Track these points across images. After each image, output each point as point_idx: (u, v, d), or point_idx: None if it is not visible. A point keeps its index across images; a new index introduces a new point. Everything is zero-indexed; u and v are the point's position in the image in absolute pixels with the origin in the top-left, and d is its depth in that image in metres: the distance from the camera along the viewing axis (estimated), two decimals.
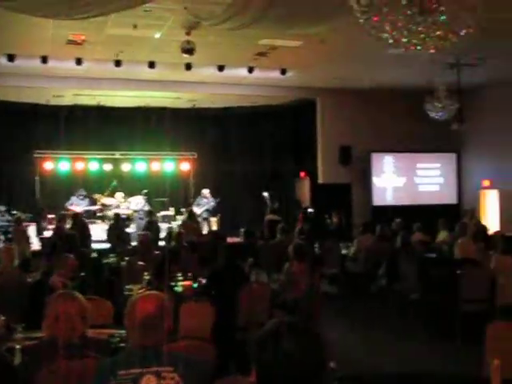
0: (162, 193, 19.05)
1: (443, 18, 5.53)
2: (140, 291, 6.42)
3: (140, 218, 16.52)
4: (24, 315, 5.57)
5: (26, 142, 17.67)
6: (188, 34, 11.18)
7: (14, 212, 15.43)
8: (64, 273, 6.55)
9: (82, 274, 8.32)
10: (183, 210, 16.25)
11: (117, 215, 15.03)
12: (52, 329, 3.73)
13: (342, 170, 17.69)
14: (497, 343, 4.70)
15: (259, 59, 13.59)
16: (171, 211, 17.80)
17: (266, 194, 18.14)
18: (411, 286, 9.39)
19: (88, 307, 3.85)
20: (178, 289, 7.31)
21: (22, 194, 17.94)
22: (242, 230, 16.70)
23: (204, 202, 17.58)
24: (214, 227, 17.50)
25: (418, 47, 5.82)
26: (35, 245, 14.18)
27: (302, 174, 19.72)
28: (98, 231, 15.37)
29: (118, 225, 14.50)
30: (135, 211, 17.10)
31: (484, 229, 11.98)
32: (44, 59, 12.99)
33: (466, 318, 7.83)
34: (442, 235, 12.66)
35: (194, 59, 12.44)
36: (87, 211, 16.81)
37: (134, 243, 13.08)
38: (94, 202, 17.38)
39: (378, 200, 17.64)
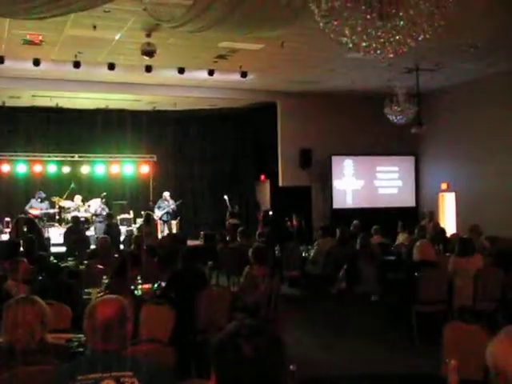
0: (121, 196, 18.93)
1: (402, 23, 5.60)
2: (99, 295, 6.36)
3: (99, 222, 16.35)
4: None
5: None
6: (148, 35, 11.12)
7: None
8: (18, 276, 6.45)
9: (40, 277, 8.21)
10: (146, 212, 16.14)
11: (75, 218, 14.80)
12: (10, 335, 3.66)
13: (302, 173, 17.77)
14: (454, 344, 4.77)
15: (219, 62, 13.58)
16: (130, 214, 17.68)
17: (226, 197, 18.15)
18: (371, 288, 9.48)
19: (47, 312, 3.79)
20: (138, 292, 7.25)
21: None
22: (202, 232, 16.73)
23: (165, 205, 17.50)
24: (175, 230, 17.43)
25: (378, 52, 5.88)
26: None
27: (262, 176, 19.79)
28: (56, 234, 15.17)
29: (75, 228, 14.23)
30: (94, 214, 16.91)
31: (442, 231, 12.16)
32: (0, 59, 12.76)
33: (424, 318, 7.93)
34: (401, 238, 12.82)
35: (155, 61, 12.37)
36: (46, 214, 16.59)
37: (93, 246, 12.94)
38: (53, 205, 17.16)
39: (338, 203, 17.75)
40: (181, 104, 18.31)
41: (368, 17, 5.57)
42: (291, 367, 3.22)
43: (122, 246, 14.21)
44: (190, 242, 13.81)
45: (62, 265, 10.37)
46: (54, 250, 13.55)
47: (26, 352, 3.55)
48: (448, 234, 12.13)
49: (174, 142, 20.04)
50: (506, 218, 13.92)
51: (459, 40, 11.69)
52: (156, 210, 17.05)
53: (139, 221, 16.90)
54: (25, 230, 12.91)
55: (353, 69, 14.17)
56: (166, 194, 17.73)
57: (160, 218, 17.06)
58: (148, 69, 13.30)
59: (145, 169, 19.15)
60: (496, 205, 14.79)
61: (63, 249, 13.57)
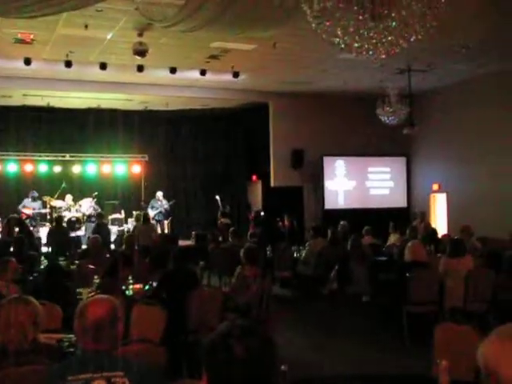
0: (112, 195, 18.87)
1: (394, 24, 5.61)
2: (90, 295, 6.35)
3: (92, 221, 16.30)
4: None
5: None
6: (140, 35, 11.09)
7: None
8: (7, 276, 6.43)
9: (31, 278, 8.19)
10: (137, 212, 16.09)
11: (58, 218, 14.52)
12: (2, 335, 3.64)
13: (294, 173, 17.78)
14: (445, 344, 4.78)
15: (211, 62, 13.57)
16: (122, 214, 17.63)
17: (217, 197, 18.15)
18: (362, 289, 9.49)
19: (40, 312, 3.77)
20: (129, 292, 7.24)
21: None
22: (194, 233, 16.72)
23: (158, 205, 17.48)
24: (167, 230, 17.42)
25: (370, 52, 5.89)
26: None
27: (254, 177, 19.78)
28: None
29: (58, 229, 13.82)
30: (88, 216, 16.84)
31: (433, 232, 12.19)
32: None
33: (416, 319, 7.95)
34: (393, 238, 12.84)
35: (146, 61, 12.35)
36: (38, 214, 16.52)
37: (84, 246, 12.91)
38: (44, 204, 17.10)
39: (330, 203, 17.76)
40: (173, 104, 18.28)
41: (360, 17, 5.58)
42: (282, 367, 3.22)
43: (112, 246, 14.17)
44: (181, 242, 13.79)
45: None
46: (44, 249, 13.49)
47: (19, 352, 3.54)
48: (439, 235, 12.16)
49: (166, 142, 20.02)
50: (497, 219, 13.97)
51: (451, 41, 11.72)
52: (149, 210, 17.02)
53: (131, 221, 16.87)
54: (16, 230, 12.86)
55: (345, 69, 14.19)
56: (159, 194, 17.71)
57: (153, 218, 17.03)
58: (140, 68, 13.27)
59: (136, 169, 19.12)
60: (487, 206, 14.85)
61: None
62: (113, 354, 3.06)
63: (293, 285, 11.96)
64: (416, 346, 7.41)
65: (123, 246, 10.73)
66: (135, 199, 18.82)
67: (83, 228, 16.49)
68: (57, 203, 17.13)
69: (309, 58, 13.16)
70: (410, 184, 18.62)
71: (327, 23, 5.69)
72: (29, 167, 17.86)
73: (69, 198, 17.27)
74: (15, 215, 14.89)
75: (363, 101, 16.09)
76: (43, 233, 14.93)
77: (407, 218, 17.12)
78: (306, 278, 11.37)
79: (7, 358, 3.48)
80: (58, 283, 6.63)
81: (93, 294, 6.35)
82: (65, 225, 15.27)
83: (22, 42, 11.70)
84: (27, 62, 12.83)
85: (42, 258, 11.05)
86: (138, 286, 7.52)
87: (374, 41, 5.76)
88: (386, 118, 13.67)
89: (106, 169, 18.79)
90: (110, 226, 16.38)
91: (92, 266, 8.67)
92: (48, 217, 16.84)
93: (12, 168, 17.72)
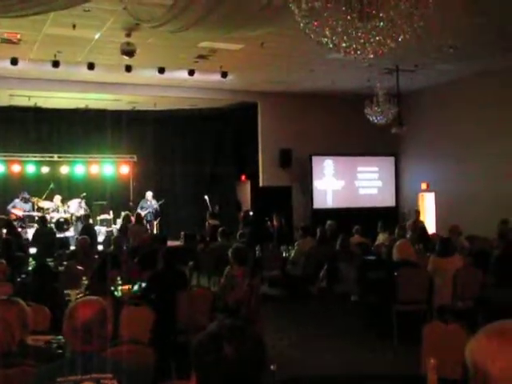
0: (101, 196, 18.79)
1: (382, 24, 5.63)
2: (79, 296, 6.32)
3: (81, 222, 16.22)
4: None
5: None
6: (128, 35, 11.07)
7: None
8: None
9: (18, 279, 8.15)
10: (126, 212, 16.03)
11: (42, 219, 14.46)
12: None
13: (283, 173, 17.79)
14: (433, 343, 4.80)
15: (200, 62, 13.56)
16: (110, 215, 17.57)
17: (206, 197, 18.14)
18: (351, 288, 9.51)
19: (28, 314, 3.75)
20: (118, 293, 7.22)
21: None
22: (183, 233, 16.69)
23: (147, 205, 17.44)
24: (156, 230, 17.40)
25: (358, 52, 5.91)
26: None
27: (243, 177, 19.77)
28: None
29: (45, 229, 13.83)
30: (77, 217, 16.78)
31: (423, 231, 12.23)
32: None
33: (404, 318, 7.97)
34: (381, 238, 12.87)
35: (135, 61, 12.32)
36: (28, 216, 16.43)
37: (72, 247, 12.85)
38: (32, 205, 17.02)
39: (319, 203, 17.78)
40: (161, 104, 18.24)
41: (348, 17, 5.59)
42: (271, 367, 3.22)
43: (99, 247, 14.11)
44: (170, 243, 13.76)
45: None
46: (32, 251, 13.40)
47: (6, 354, 3.51)
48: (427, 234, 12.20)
49: (155, 143, 19.96)
50: (485, 218, 14.00)
51: (439, 41, 11.76)
52: (139, 211, 16.97)
53: (119, 221, 16.82)
54: (4, 231, 12.78)
55: (333, 69, 14.22)
56: (149, 194, 17.67)
57: (143, 219, 16.99)
58: (128, 68, 13.24)
59: (125, 169, 19.08)
60: (476, 205, 14.92)
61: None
62: (102, 356, 3.05)
63: (282, 284, 11.96)
64: (404, 345, 7.44)
65: (111, 247, 10.69)
66: (123, 200, 18.75)
67: (72, 229, 16.43)
68: (45, 204, 17.05)
69: (297, 57, 13.18)
70: (399, 183, 18.68)
71: (315, 23, 5.70)
72: (16, 168, 17.77)
73: (57, 198, 17.19)
74: (3, 216, 14.82)
75: (351, 100, 16.12)
76: (31, 234, 14.85)
77: (396, 217, 17.18)
78: (295, 277, 11.38)
79: None
80: (45, 284, 6.60)
81: (81, 295, 6.33)
82: (53, 225, 15.22)
83: (8, 41, 11.63)
84: (14, 61, 12.75)
85: (30, 259, 11.00)
86: (126, 286, 7.50)
87: (362, 41, 5.78)
88: (374, 118, 13.69)
89: (95, 169, 18.74)
90: (99, 227, 16.33)
91: (80, 268, 8.64)
92: (36, 218, 16.76)
93: None
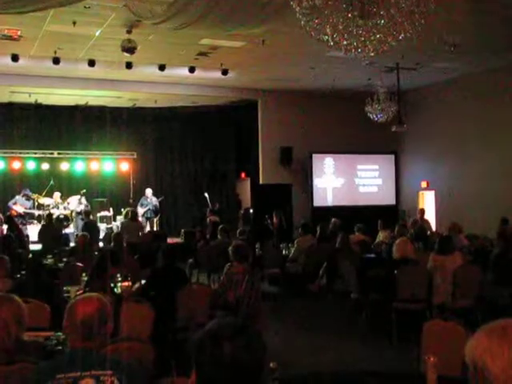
0: (101, 193, 18.79)
1: (383, 22, 5.63)
2: (78, 293, 6.32)
3: (81, 219, 16.23)
4: None
5: None
6: (129, 32, 11.06)
7: None
8: (0, 272, 6.41)
9: (18, 276, 8.14)
10: (127, 209, 16.02)
11: (49, 215, 14.58)
12: None
13: (283, 170, 17.78)
14: (433, 341, 4.79)
15: (200, 59, 13.55)
16: (110, 212, 17.57)
17: (206, 194, 18.12)
18: (350, 286, 9.50)
19: (25, 310, 3.73)
20: (118, 290, 7.22)
21: None
22: (183, 230, 16.69)
23: (147, 202, 17.44)
24: (155, 227, 17.39)
25: (359, 50, 5.90)
26: None
27: (243, 174, 19.76)
28: (35, 232, 15.03)
29: (50, 226, 13.96)
30: (77, 213, 16.78)
31: (423, 229, 12.23)
32: None
33: (404, 316, 7.97)
34: (382, 235, 12.86)
35: (135, 58, 12.31)
36: (29, 213, 16.43)
37: (72, 244, 12.85)
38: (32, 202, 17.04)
39: (319, 201, 17.78)
40: (161, 101, 18.23)
41: (349, 15, 5.59)
42: (271, 365, 3.22)
43: (100, 244, 14.12)
44: (170, 240, 13.77)
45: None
46: (32, 247, 13.43)
47: (2, 351, 3.50)
48: (427, 232, 12.20)
49: (155, 140, 19.95)
50: (484, 216, 14.02)
51: (439, 39, 11.75)
52: (139, 208, 16.98)
53: (119, 218, 16.82)
54: (5, 227, 12.78)
55: (334, 67, 14.20)
56: (148, 191, 17.67)
57: (143, 215, 16.99)
58: (128, 65, 13.23)
59: (125, 166, 19.07)
60: (475, 203, 14.92)
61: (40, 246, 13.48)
62: (102, 352, 3.05)
63: (281, 282, 11.96)
64: (404, 343, 7.43)
65: (111, 244, 10.68)
66: (123, 197, 18.76)
67: (72, 225, 16.43)
68: (45, 200, 17.05)
69: (298, 55, 13.17)
70: (399, 181, 18.67)
71: (316, 21, 5.70)
72: (16, 164, 17.78)
73: (57, 195, 17.19)
74: (5, 213, 14.84)
75: (352, 98, 16.11)
76: (31, 230, 14.86)
77: (396, 215, 17.17)
78: (295, 275, 11.38)
79: None
80: (43, 281, 6.61)
81: (81, 292, 6.32)
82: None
83: (9, 38, 11.63)
84: (14, 58, 12.76)
85: (30, 255, 11.00)
86: (126, 283, 7.49)
87: (363, 38, 5.77)
88: (374, 116, 13.70)
89: (95, 166, 18.74)
90: (99, 224, 16.32)
91: (80, 264, 8.63)
92: (36, 214, 16.76)
93: None
